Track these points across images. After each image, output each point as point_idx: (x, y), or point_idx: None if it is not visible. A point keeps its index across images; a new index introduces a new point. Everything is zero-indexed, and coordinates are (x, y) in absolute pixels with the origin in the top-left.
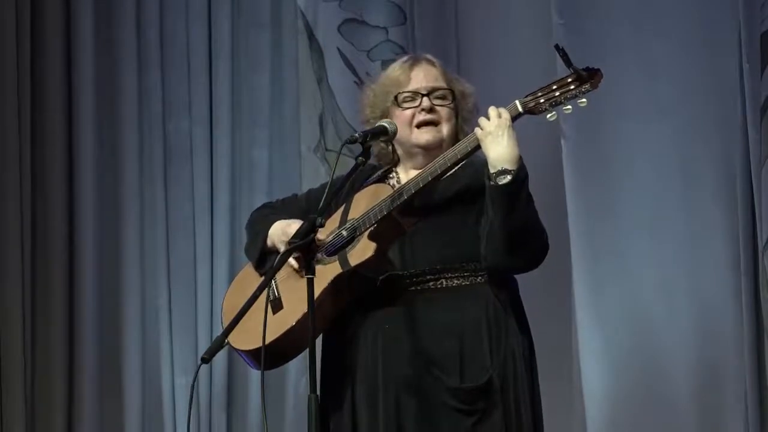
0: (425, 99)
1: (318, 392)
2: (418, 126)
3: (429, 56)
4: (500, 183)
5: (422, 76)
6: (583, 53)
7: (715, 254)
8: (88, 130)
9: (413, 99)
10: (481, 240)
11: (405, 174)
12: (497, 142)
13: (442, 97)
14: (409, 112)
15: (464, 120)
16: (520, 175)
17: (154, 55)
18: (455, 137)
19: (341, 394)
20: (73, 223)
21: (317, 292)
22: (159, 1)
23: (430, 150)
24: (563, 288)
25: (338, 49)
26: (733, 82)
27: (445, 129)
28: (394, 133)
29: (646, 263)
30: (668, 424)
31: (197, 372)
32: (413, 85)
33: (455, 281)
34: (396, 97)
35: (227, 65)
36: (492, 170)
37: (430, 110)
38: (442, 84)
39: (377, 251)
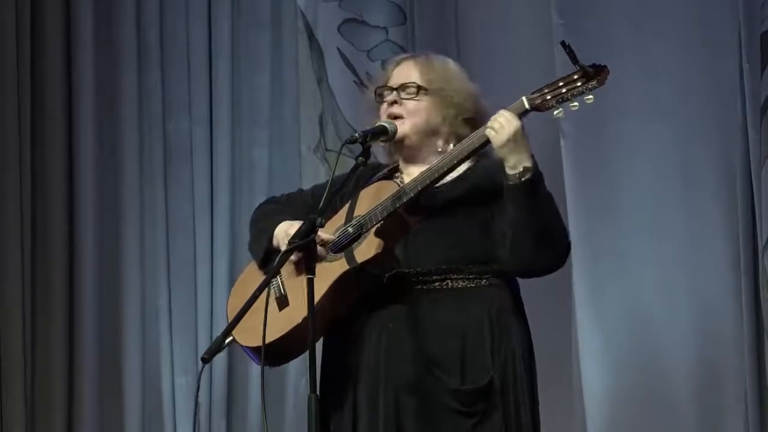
0: (393, 93)
1: (318, 392)
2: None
3: (419, 53)
4: (522, 180)
5: (398, 74)
6: (583, 53)
7: (715, 254)
8: (88, 130)
9: (386, 95)
10: (504, 242)
11: (406, 171)
12: (516, 150)
13: (410, 92)
14: (383, 106)
15: (456, 117)
16: (537, 170)
17: (154, 55)
18: (431, 133)
19: (343, 394)
20: (73, 223)
21: (324, 289)
22: (159, 1)
23: (396, 143)
24: (563, 288)
25: (338, 49)
26: (733, 82)
27: (407, 123)
28: (394, 132)
29: (646, 263)
30: (668, 424)
31: (201, 373)
32: (389, 83)
33: (460, 283)
34: (374, 94)
35: (227, 65)
36: (512, 172)
37: (394, 103)
38: (412, 79)
39: (384, 248)
